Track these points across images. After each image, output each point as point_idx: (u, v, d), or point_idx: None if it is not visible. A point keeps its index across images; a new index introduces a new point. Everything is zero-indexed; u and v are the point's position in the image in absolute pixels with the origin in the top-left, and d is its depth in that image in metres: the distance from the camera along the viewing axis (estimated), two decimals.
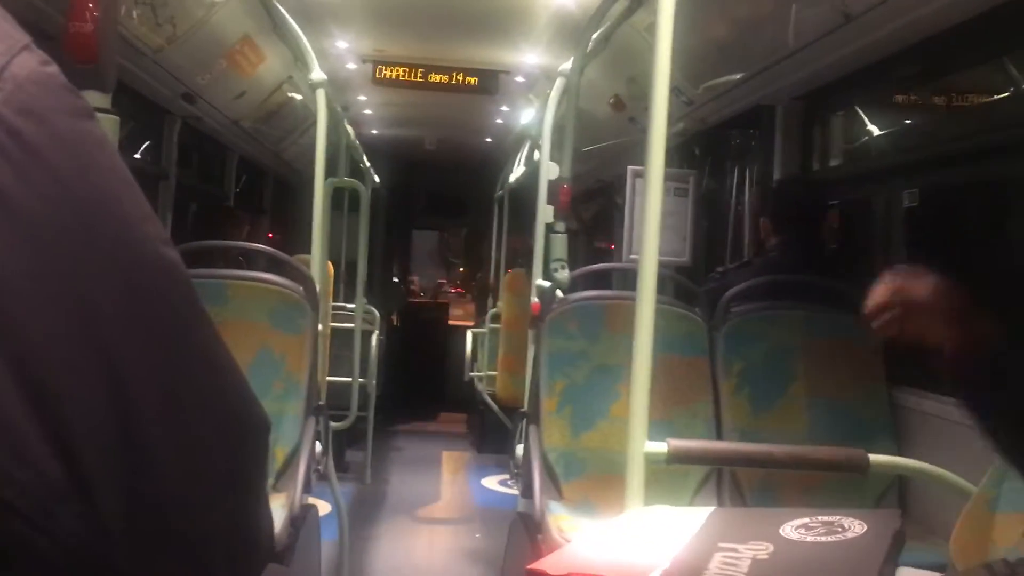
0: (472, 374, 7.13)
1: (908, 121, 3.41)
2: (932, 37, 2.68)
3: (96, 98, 1.04)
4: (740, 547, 0.98)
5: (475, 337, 7.31)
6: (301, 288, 3.00)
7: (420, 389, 8.80)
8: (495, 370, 6.45)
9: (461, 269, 11.13)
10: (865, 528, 1.02)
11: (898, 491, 2.71)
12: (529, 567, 0.91)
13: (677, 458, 1.66)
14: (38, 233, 0.48)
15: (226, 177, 5.78)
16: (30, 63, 0.50)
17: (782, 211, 3.21)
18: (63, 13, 0.99)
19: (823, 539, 1.00)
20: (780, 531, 1.02)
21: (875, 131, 3.55)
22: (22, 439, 0.46)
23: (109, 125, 1.10)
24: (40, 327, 0.47)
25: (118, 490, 0.49)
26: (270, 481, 2.71)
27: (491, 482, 6.25)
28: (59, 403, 0.48)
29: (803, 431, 2.77)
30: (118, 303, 0.51)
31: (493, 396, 6.44)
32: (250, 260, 3.86)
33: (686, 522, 1.05)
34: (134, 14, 3.05)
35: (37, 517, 0.46)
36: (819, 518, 1.04)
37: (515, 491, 4.36)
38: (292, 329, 2.91)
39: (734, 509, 1.30)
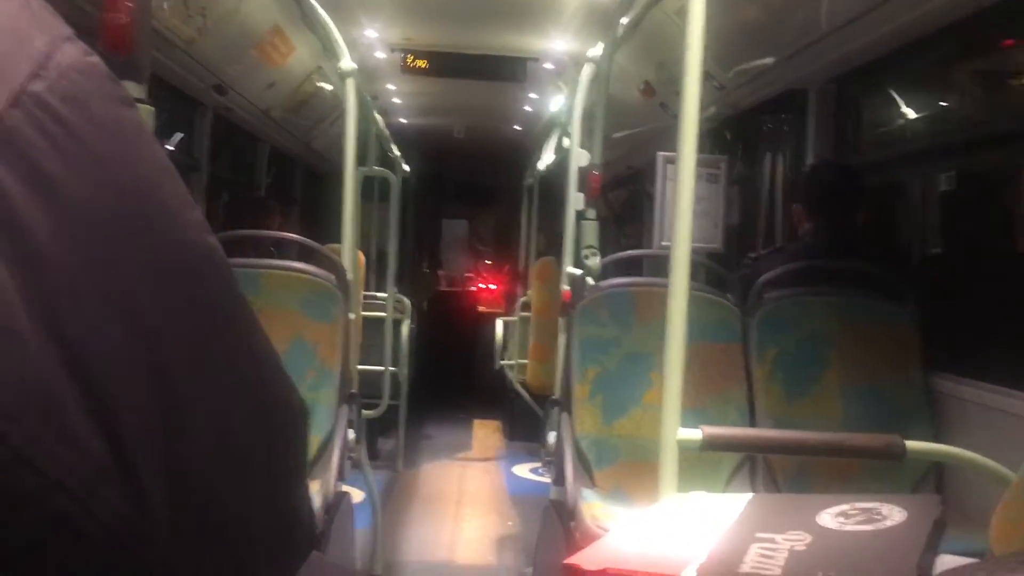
0: (502, 362, 7.14)
1: (944, 103, 3.35)
2: (970, 16, 2.63)
3: (131, 89, 1.05)
4: (777, 537, 0.97)
5: (505, 325, 7.31)
6: (333, 277, 3.01)
7: (450, 377, 8.83)
8: (525, 358, 6.45)
9: (488, 261, 11.12)
10: (905, 515, 1.00)
11: (935, 478, 2.68)
12: (565, 562, 0.91)
13: (711, 445, 1.65)
14: (84, 217, 0.49)
15: (257, 167, 5.82)
16: (73, 53, 0.51)
17: (815, 196, 3.17)
18: (97, 5, 1.00)
19: (861, 528, 0.99)
20: (818, 519, 1.01)
21: (910, 113, 3.50)
22: (69, 420, 0.46)
23: (145, 115, 1.11)
24: (87, 310, 0.48)
25: (160, 473, 0.50)
26: None
27: (522, 470, 6.26)
28: (104, 386, 0.48)
29: (838, 418, 2.75)
30: (161, 288, 0.51)
31: (523, 384, 6.44)
32: (281, 250, 3.89)
33: (723, 510, 1.04)
34: (165, 5, 3.07)
35: (83, 497, 0.47)
36: (858, 505, 1.03)
37: (546, 479, 4.37)
38: (324, 318, 2.93)
39: (772, 496, 1.29)
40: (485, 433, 7.73)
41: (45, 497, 0.46)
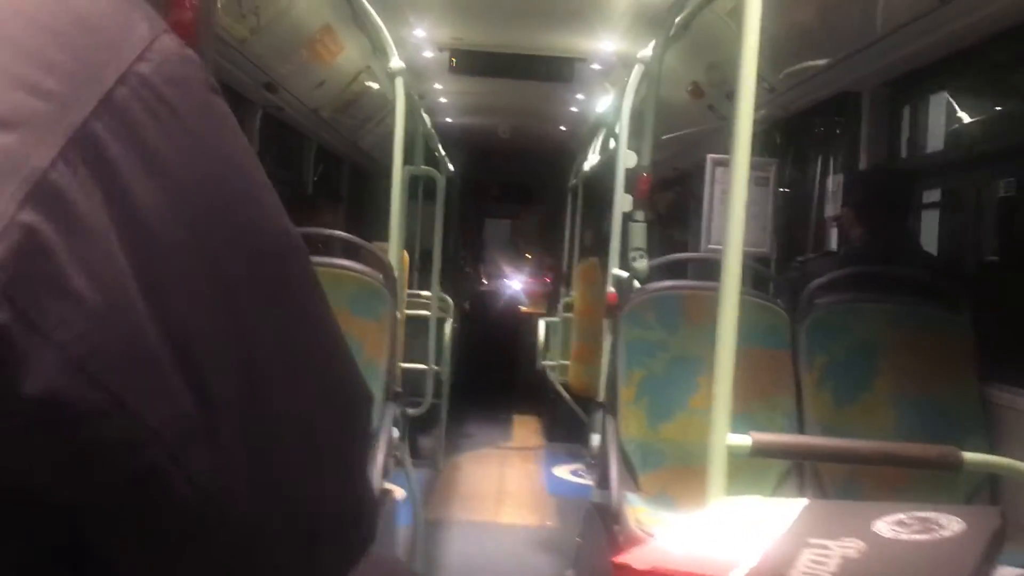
0: (544, 363, 7.13)
1: (999, 108, 3.28)
2: None
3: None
4: (831, 544, 0.95)
5: (547, 326, 7.30)
6: (380, 275, 3.03)
7: (491, 377, 8.84)
8: (567, 359, 6.43)
9: (528, 256, 11.09)
10: (963, 526, 0.98)
11: (988, 491, 2.62)
12: (615, 560, 0.90)
13: (761, 451, 1.63)
14: (183, 191, 0.51)
15: (304, 165, 5.88)
16: (173, 43, 0.54)
17: (867, 201, 3.12)
18: (164, 3, 1.01)
19: (918, 537, 0.97)
20: (873, 527, 0.99)
21: (966, 118, 3.43)
22: (165, 376, 0.49)
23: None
24: (184, 278, 0.50)
25: (243, 442, 0.52)
26: None
27: (562, 471, 6.24)
28: (197, 350, 0.50)
29: (889, 427, 2.70)
30: (249, 265, 0.54)
31: (565, 385, 6.42)
32: (327, 247, 3.92)
33: (775, 515, 1.02)
34: (219, 5, 3.11)
35: (175, 452, 0.49)
36: (915, 514, 1.00)
37: (587, 481, 4.36)
38: (371, 315, 2.95)
39: (828, 502, 1.26)
40: (525, 433, 7.73)
41: (139, 447, 0.48)
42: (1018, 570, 1.15)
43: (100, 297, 0.46)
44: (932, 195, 3.71)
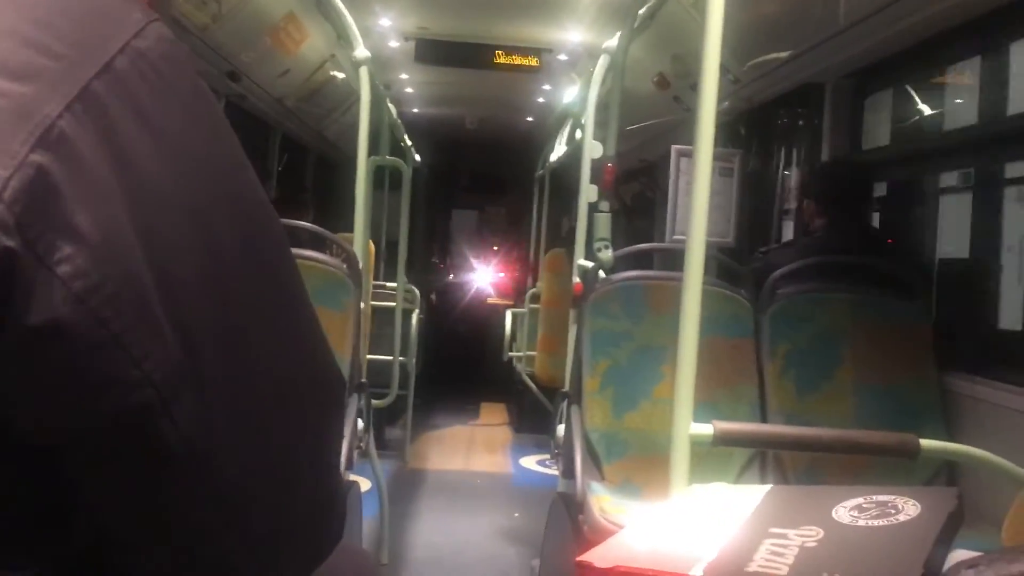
0: (511, 354, 7.13)
1: (961, 100, 3.32)
2: (990, 11, 2.60)
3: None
4: (790, 532, 0.96)
5: (514, 317, 7.31)
6: (344, 266, 3.01)
7: (459, 369, 8.83)
8: (534, 350, 6.45)
9: (495, 246, 11.08)
10: (919, 509, 0.99)
11: (946, 478, 2.67)
12: (577, 559, 0.90)
13: (723, 440, 1.64)
14: (178, 151, 0.55)
15: (269, 155, 5.82)
16: (162, 29, 0.59)
17: (828, 192, 3.15)
18: None
19: (875, 523, 0.98)
20: (833, 513, 1.00)
21: (927, 110, 3.48)
22: (159, 322, 0.52)
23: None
24: (178, 233, 0.54)
25: (225, 398, 0.55)
26: None
27: (529, 462, 6.26)
28: (186, 301, 0.53)
29: (850, 415, 2.73)
30: (231, 226, 0.57)
31: (532, 376, 6.44)
32: (294, 238, 3.89)
33: (739, 503, 1.03)
34: None
35: (166, 392, 0.51)
36: (873, 498, 1.02)
37: (553, 471, 4.37)
38: (335, 306, 2.93)
39: (790, 488, 1.28)
40: (492, 424, 7.74)
41: (132, 385, 0.50)
42: (972, 552, 1.16)
43: (101, 238, 0.50)
44: (902, 185, 3.75)
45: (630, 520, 1.99)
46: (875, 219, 3.60)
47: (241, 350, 0.56)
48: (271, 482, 0.58)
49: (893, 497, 1.00)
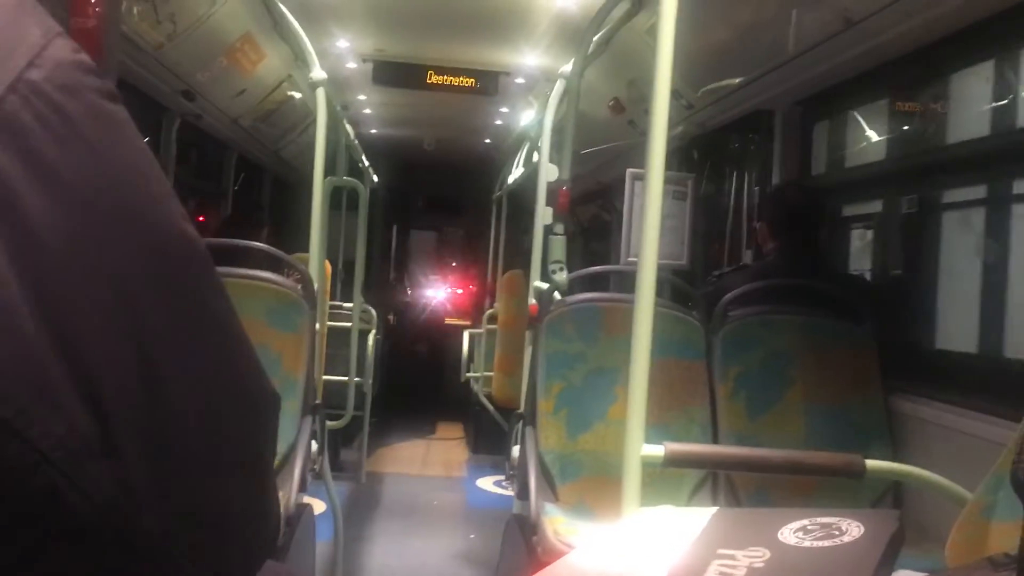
0: (468, 375, 7.13)
1: (906, 127, 3.41)
2: (932, 43, 2.68)
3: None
4: (738, 553, 0.97)
5: (471, 337, 7.31)
6: (299, 287, 3.00)
7: (416, 389, 8.79)
8: (491, 370, 6.45)
9: (453, 267, 11.08)
10: (862, 530, 1.01)
11: (893, 497, 2.72)
12: None
13: (673, 461, 1.66)
14: (78, 200, 0.50)
15: (224, 175, 5.78)
16: (66, 47, 0.53)
17: (780, 216, 3.21)
18: (65, 9, 0.99)
19: (819, 544, 1.00)
20: (779, 535, 1.01)
21: (874, 137, 3.56)
22: (59, 395, 0.48)
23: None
24: (76, 289, 0.50)
25: (142, 450, 0.51)
26: None
27: (486, 483, 6.25)
28: (92, 363, 0.49)
29: (800, 436, 2.78)
30: (146, 270, 0.53)
31: (489, 397, 6.43)
32: (250, 259, 3.86)
33: (687, 525, 1.04)
34: (135, 10, 3.05)
35: (71, 470, 0.48)
36: (817, 520, 1.03)
37: (510, 492, 4.36)
38: (289, 327, 2.91)
39: (736, 511, 1.29)
40: (449, 445, 7.71)
41: (34, 469, 0.47)
42: (915, 573, 1.19)
43: None
44: (850, 210, 3.83)
45: (582, 541, 2.00)
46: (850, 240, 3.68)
47: (161, 395, 0.53)
48: (198, 520, 0.56)
49: (837, 519, 1.02)
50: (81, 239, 0.50)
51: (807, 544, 0.98)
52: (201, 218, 5.44)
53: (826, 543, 0.98)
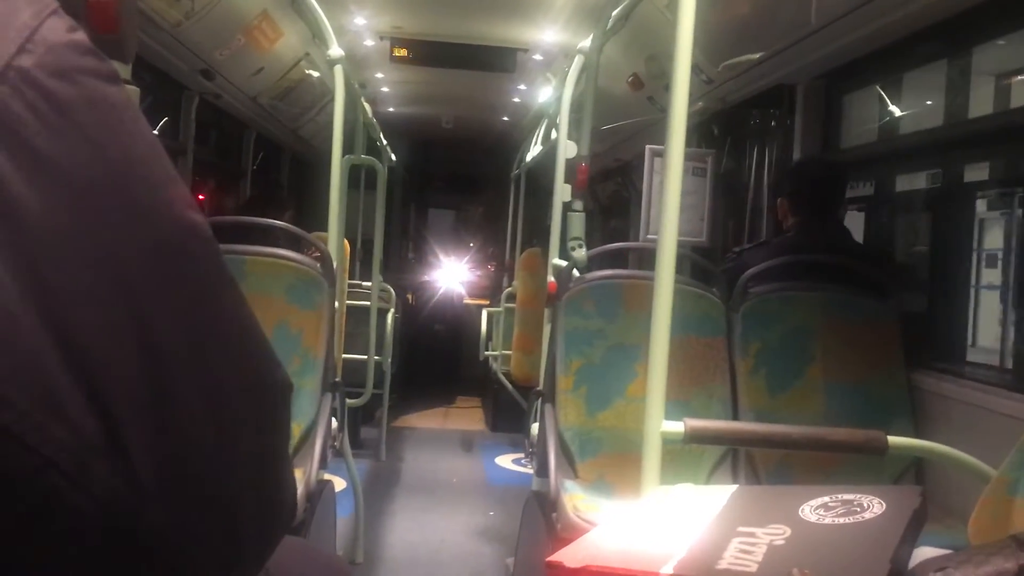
0: (487, 353, 7.14)
1: (930, 102, 3.37)
2: (958, 14, 2.64)
3: (117, 69, 1.04)
4: (758, 531, 0.97)
5: (490, 316, 7.31)
6: (318, 265, 3.01)
7: (435, 367, 8.82)
8: (510, 349, 6.45)
9: (472, 245, 11.08)
10: (884, 507, 1.00)
11: (915, 474, 2.71)
12: (547, 560, 0.90)
13: (694, 438, 1.65)
14: (73, 192, 0.49)
15: (243, 154, 5.79)
16: (59, 27, 0.51)
17: (801, 191, 3.18)
18: None
19: (841, 520, 0.99)
20: (799, 512, 1.01)
21: (897, 111, 3.52)
22: (61, 396, 0.47)
23: (131, 96, 1.10)
24: (75, 284, 0.48)
25: (150, 446, 0.50)
26: None
27: (505, 461, 6.27)
28: (94, 360, 0.48)
29: (820, 413, 2.76)
30: (147, 261, 0.52)
31: (507, 375, 6.44)
32: (269, 238, 3.87)
33: (707, 503, 1.04)
34: None
35: (75, 473, 0.47)
36: (839, 497, 1.03)
37: (528, 470, 4.38)
38: (309, 305, 2.92)
39: (756, 488, 1.28)
40: (468, 423, 7.74)
41: (37, 474, 0.46)
42: (938, 549, 1.18)
43: None
44: (866, 188, 3.79)
45: (602, 518, 2.00)
46: (859, 218, 3.64)
47: (166, 388, 0.51)
48: (210, 509, 0.55)
49: (858, 495, 1.02)
50: (79, 232, 0.49)
51: (828, 521, 0.98)
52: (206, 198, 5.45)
53: (847, 520, 0.98)
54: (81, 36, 0.53)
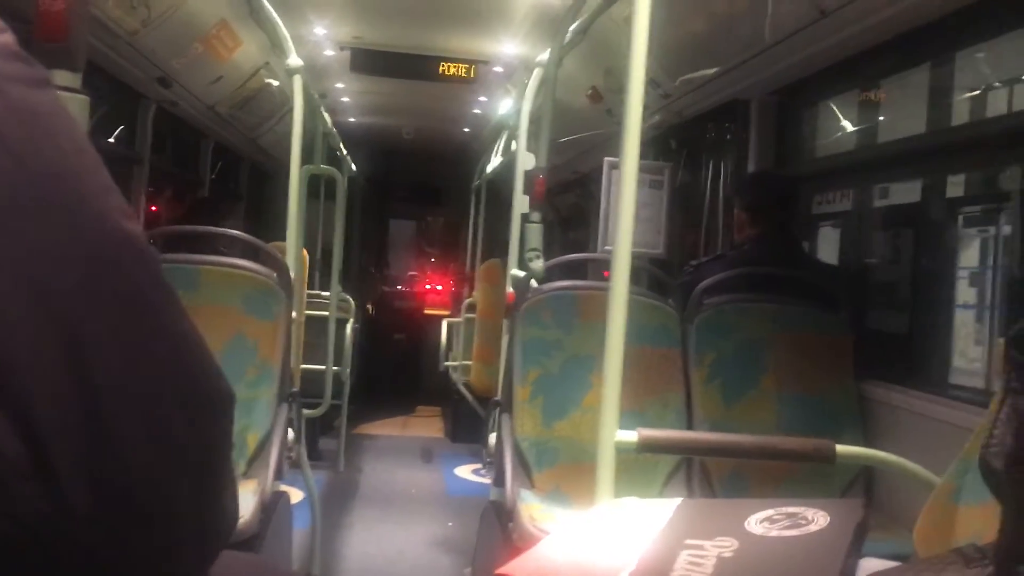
0: (447, 363, 7.13)
1: (881, 117, 3.44)
2: (905, 33, 2.70)
3: (66, 77, 1.03)
4: (707, 544, 0.97)
5: (450, 327, 7.31)
6: (275, 275, 2.99)
7: (395, 378, 8.80)
8: (470, 360, 6.46)
9: (432, 257, 11.07)
10: (828, 520, 1.02)
11: (864, 482, 2.75)
12: (498, 572, 0.91)
13: (647, 447, 1.67)
14: None
15: (201, 163, 5.74)
16: None
17: (755, 204, 3.23)
18: None
19: (787, 533, 1.00)
20: (745, 525, 1.02)
21: (848, 127, 3.59)
22: None
23: (79, 105, 1.09)
24: (2, 303, 0.47)
25: (80, 467, 0.49)
26: (241, 467, 2.70)
27: (464, 471, 6.26)
28: (17, 380, 0.47)
29: (773, 422, 2.80)
30: (76, 277, 0.50)
31: (467, 386, 6.45)
32: (225, 247, 3.84)
33: (655, 516, 1.05)
34: None
35: None
36: (783, 510, 1.04)
37: (487, 480, 4.38)
38: (266, 315, 2.90)
39: (701, 501, 1.30)
40: (428, 433, 7.72)
41: None
42: (883, 560, 1.20)
43: None
44: (821, 199, 3.86)
45: (558, 528, 2.01)
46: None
47: (97, 404, 0.50)
48: (147, 527, 0.54)
49: (803, 508, 1.03)
50: (2, 249, 0.47)
51: (774, 534, 0.99)
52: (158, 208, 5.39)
53: (793, 532, 0.99)
54: (6, 38, 0.51)
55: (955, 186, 2.88)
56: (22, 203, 0.49)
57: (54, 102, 0.53)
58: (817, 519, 1.02)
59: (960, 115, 2.85)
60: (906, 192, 3.21)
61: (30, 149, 0.50)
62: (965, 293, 2.78)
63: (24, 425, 0.47)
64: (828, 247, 3.60)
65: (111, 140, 4.36)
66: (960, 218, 2.85)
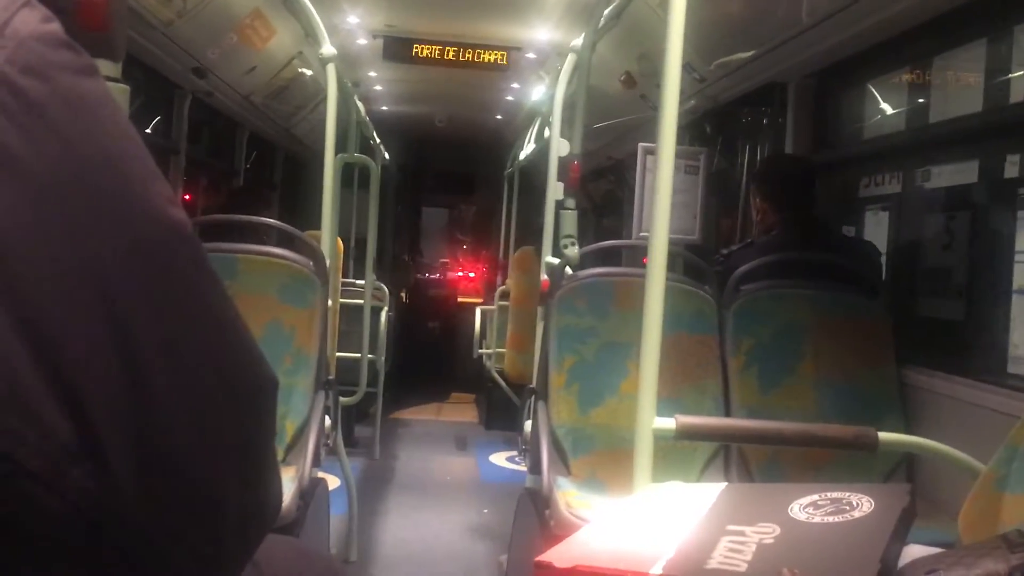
0: (480, 351, 7.15)
1: (932, 97, 3.37)
2: (949, 12, 2.65)
3: (107, 67, 1.04)
4: (747, 530, 0.96)
5: (484, 314, 7.32)
6: (311, 263, 3.00)
7: (429, 366, 8.83)
8: (503, 347, 6.46)
9: (465, 244, 11.08)
10: (873, 505, 1.00)
11: (906, 470, 2.72)
12: (537, 559, 0.90)
13: (685, 434, 1.66)
14: (42, 193, 0.48)
15: (236, 152, 5.79)
16: (32, 20, 0.50)
17: (782, 189, 3.18)
18: None
19: (830, 519, 0.99)
20: (788, 511, 1.00)
21: (896, 107, 3.53)
22: (32, 400, 0.46)
23: (119, 95, 1.10)
24: (45, 286, 0.48)
25: (128, 447, 0.50)
26: (280, 454, 2.72)
27: (499, 458, 6.27)
28: (67, 361, 0.48)
29: (811, 409, 2.77)
30: (123, 260, 0.51)
31: (501, 373, 6.45)
32: (263, 235, 3.86)
33: (697, 501, 1.04)
34: None
35: (48, 477, 0.47)
36: (828, 495, 1.03)
37: (522, 468, 4.38)
38: (301, 304, 2.92)
39: (746, 486, 1.28)
40: (462, 421, 7.74)
41: (9, 481, 0.46)
42: (927, 547, 1.18)
43: None
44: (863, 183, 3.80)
45: (595, 515, 2.01)
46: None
47: (145, 388, 0.50)
48: (192, 509, 0.55)
49: (847, 494, 1.02)
50: (50, 232, 0.48)
51: (818, 519, 0.98)
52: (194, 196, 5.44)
53: (837, 518, 0.98)
54: (55, 27, 0.52)
55: (1013, 166, 2.80)
56: (73, 188, 0.49)
57: (102, 90, 0.53)
58: (862, 504, 1.00)
59: (1019, 92, 2.77)
60: (959, 173, 3.14)
61: (79, 135, 0.50)
62: (1022, 278, 2.70)
63: (74, 405, 0.47)
64: (877, 230, 3.54)
65: (148, 131, 4.40)
66: (1018, 200, 2.77)
